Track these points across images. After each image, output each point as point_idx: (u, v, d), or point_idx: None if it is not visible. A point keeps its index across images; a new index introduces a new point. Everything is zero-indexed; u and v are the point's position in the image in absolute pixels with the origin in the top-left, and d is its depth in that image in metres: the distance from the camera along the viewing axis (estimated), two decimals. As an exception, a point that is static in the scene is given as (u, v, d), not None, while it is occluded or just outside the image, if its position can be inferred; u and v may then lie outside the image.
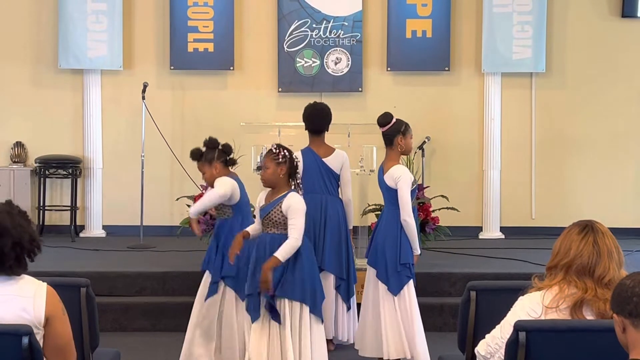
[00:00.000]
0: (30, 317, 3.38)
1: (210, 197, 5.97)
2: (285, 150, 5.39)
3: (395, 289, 5.91)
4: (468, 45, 10.10)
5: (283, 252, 5.21)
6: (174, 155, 9.50)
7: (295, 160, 5.46)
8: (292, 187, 5.43)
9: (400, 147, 5.97)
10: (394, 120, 6.04)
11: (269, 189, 5.46)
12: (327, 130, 6.69)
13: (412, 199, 5.94)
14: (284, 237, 5.29)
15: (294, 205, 5.29)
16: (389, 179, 5.91)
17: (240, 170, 8.68)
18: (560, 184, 10.14)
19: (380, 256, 5.95)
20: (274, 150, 5.38)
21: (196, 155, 6.09)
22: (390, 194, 5.93)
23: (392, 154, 6.00)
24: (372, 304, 6.03)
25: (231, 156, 6.18)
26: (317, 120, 6.65)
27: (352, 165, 8.07)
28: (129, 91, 9.87)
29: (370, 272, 6.07)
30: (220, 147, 6.10)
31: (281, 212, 5.32)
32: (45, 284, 3.47)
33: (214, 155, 6.05)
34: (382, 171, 6.03)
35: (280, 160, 5.34)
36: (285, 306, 5.32)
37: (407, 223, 5.87)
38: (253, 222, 5.68)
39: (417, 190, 6.33)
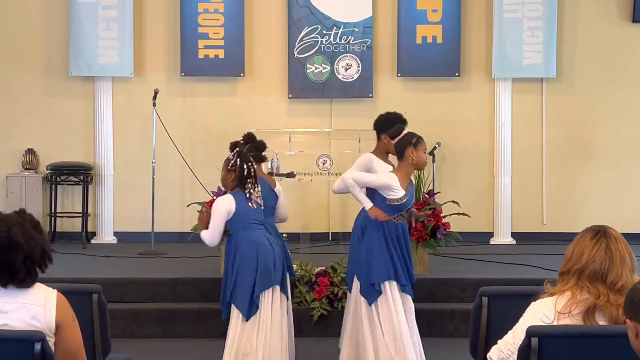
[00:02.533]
0: (40, 324, 3.38)
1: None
2: (237, 159, 5.74)
3: (368, 299, 5.83)
4: (478, 50, 10.10)
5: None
6: (185, 162, 9.51)
7: (246, 169, 5.72)
8: (233, 192, 5.72)
9: (411, 160, 5.77)
10: (404, 131, 5.89)
11: None
12: (385, 138, 6.33)
13: (391, 213, 5.81)
14: (229, 239, 5.75)
15: (213, 206, 5.74)
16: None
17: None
18: (571, 189, 10.12)
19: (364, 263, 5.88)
20: (229, 158, 5.78)
21: (234, 147, 6.22)
22: (380, 202, 5.85)
23: (402, 166, 5.83)
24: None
25: (263, 153, 6.51)
26: (375, 122, 6.63)
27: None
28: (139, 98, 9.89)
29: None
30: (255, 143, 6.41)
31: None
32: (55, 290, 3.47)
33: (245, 149, 6.23)
34: None
35: (230, 167, 5.75)
36: None
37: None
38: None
39: (403, 209, 6.08)
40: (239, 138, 6.50)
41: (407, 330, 5.78)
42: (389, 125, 6.28)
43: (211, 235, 5.70)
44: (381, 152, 6.48)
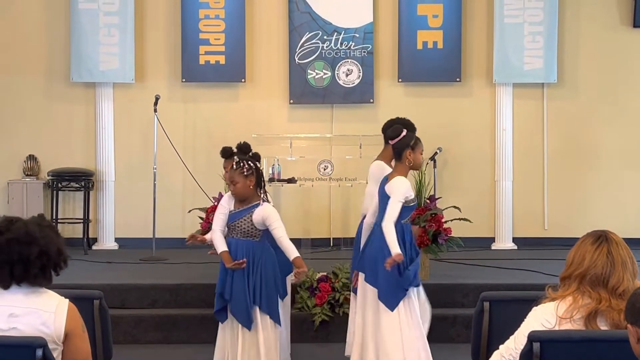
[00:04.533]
0: (49, 331, 3.40)
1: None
2: (249, 162, 5.70)
3: (392, 305, 5.80)
4: (479, 56, 10.10)
5: (292, 251, 5.71)
6: (186, 168, 9.52)
7: (261, 169, 5.78)
8: (262, 198, 5.76)
9: (408, 162, 5.85)
10: (403, 133, 5.92)
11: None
12: (390, 143, 6.09)
13: (405, 216, 5.84)
14: (257, 244, 5.74)
15: (271, 215, 5.69)
16: (388, 187, 5.82)
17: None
18: (572, 194, 10.11)
19: (379, 273, 5.83)
20: (239, 164, 5.68)
21: (227, 153, 6.17)
22: (387, 203, 5.86)
23: (400, 168, 5.89)
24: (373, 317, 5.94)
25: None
26: (383, 127, 6.56)
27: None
28: (141, 104, 9.90)
29: (368, 288, 5.95)
30: (250, 154, 6.19)
31: (251, 222, 5.69)
32: (67, 300, 3.50)
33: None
34: (385, 181, 5.93)
35: (246, 172, 5.66)
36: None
37: (386, 228, 5.70)
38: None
39: (414, 209, 6.17)
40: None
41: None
42: (388, 132, 6.23)
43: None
44: (388, 159, 6.34)
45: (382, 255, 5.76)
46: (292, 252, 5.69)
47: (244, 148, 6.14)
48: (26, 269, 3.41)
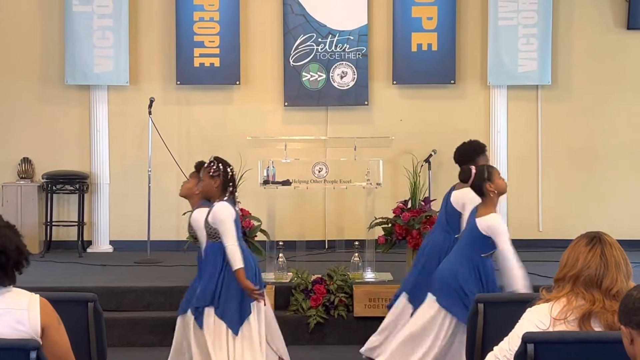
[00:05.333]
0: (26, 329, 3.39)
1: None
2: (219, 164, 5.68)
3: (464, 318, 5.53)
4: (473, 58, 10.10)
5: (233, 262, 5.50)
6: (181, 170, 9.49)
7: (230, 173, 5.70)
8: (225, 198, 5.65)
9: (492, 193, 5.70)
10: (473, 171, 5.82)
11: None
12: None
13: (487, 251, 5.73)
14: (213, 245, 5.62)
15: (217, 215, 5.57)
16: (487, 228, 5.64)
17: (246, 185, 8.75)
18: (567, 196, 10.12)
19: (449, 288, 5.70)
20: (210, 164, 5.70)
21: (199, 166, 6.18)
22: (474, 235, 5.71)
23: (488, 202, 5.72)
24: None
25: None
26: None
27: (358, 179, 8.07)
28: (135, 106, 9.89)
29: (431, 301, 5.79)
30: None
31: (208, 222, 5.64)
32: (37, 295, 3.49)
33: None
34: (474, 212, 5.79)
35: (213, 173, 5.65)
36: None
37: (513, 268, 5.76)
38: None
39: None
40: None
41: None
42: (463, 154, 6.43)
43: (236, 242, 5.55)
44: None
45: (455, 277, 5.67)
46: (235, 263, 5.50)
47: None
48: None
